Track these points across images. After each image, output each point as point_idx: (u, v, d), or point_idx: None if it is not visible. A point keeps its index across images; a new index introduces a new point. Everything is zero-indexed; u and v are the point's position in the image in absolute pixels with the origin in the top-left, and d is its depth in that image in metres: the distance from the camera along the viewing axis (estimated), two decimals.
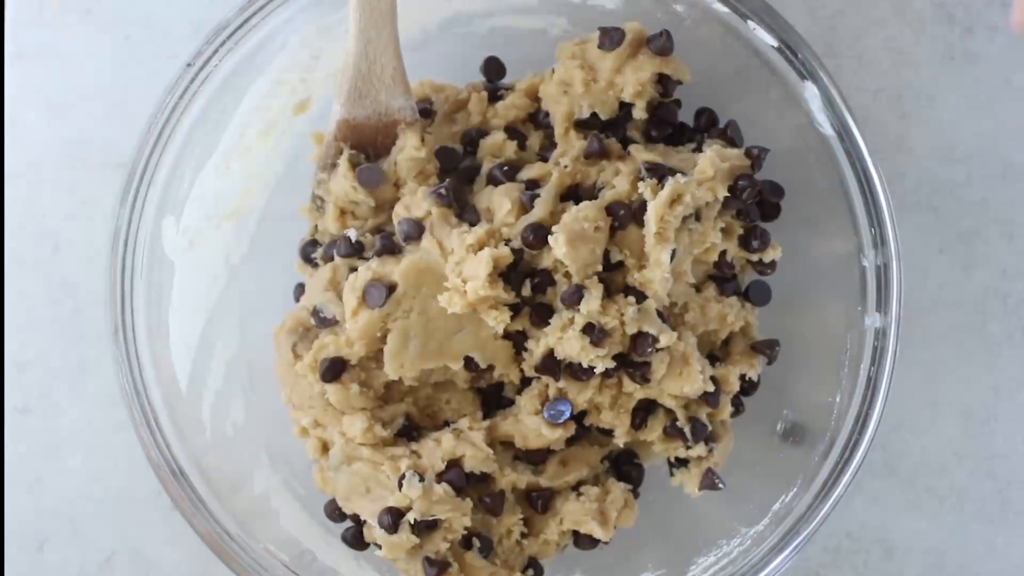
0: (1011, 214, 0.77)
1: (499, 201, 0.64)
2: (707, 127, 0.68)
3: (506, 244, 0.63)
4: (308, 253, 0.69)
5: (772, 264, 0.66)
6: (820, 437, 0.65)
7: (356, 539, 0.67)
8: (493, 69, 0.70)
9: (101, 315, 0.75)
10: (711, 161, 0.62)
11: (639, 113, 0.66)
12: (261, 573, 0.63)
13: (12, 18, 0.78)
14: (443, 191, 0.65)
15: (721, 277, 0.67)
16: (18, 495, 0.78)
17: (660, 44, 0.65)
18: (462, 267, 0.63)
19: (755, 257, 0.66)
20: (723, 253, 0.66)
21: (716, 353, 0.67)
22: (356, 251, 0.66)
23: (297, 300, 0.70)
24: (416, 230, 0.64)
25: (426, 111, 0.69)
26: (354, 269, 0.65)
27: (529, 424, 0.64)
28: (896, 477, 0.77)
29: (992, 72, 0.77)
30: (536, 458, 0.66)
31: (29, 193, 0.78)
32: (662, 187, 0.62)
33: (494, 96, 0.70)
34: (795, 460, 0.66)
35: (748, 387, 0.68)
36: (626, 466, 0.68)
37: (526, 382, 0.66)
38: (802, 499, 0.63)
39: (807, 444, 0.66)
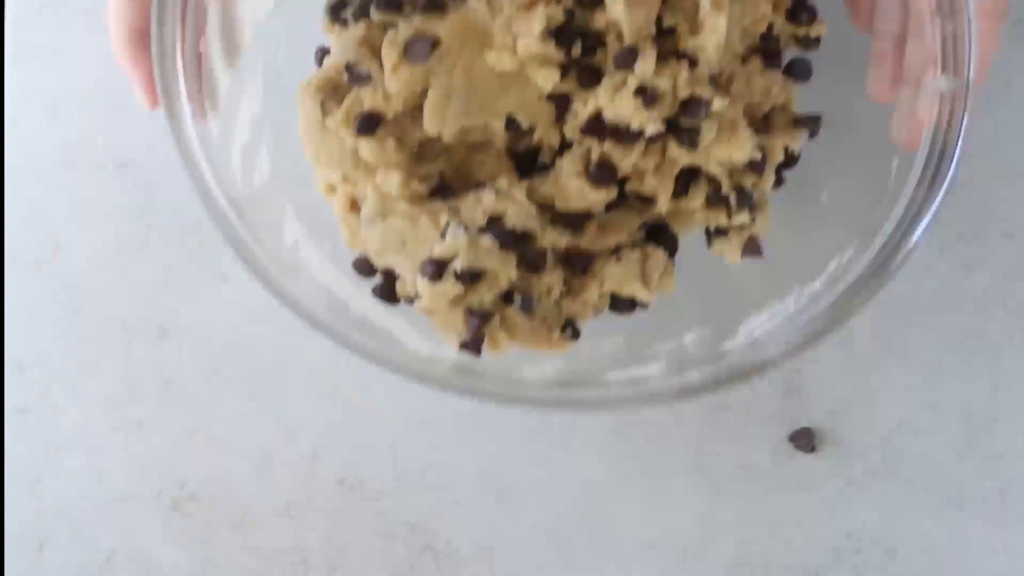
0: (1011, 214, 0.77)
1: None
2: None
3: (558, 2, 0.62)
4: (337, 11, 0.66)
5: (817, 40, 0.65)
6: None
7: (388, 293, 0.65)
8: None
9: (102, 315, 0.75)
10: None
11: None
12: (309, 305, 0.62)
13: (12, 18, 0.79)
14: None
15: (766, 50, 0.65)
16: (18, 495, 0.78)
17: None
18: (512, 24, 0.61)
19: (802, 32, 0.65)
20: (770, 26, 0.65)
21: (757, 127, 0.65)
22: (395, 6, 0.63)
23: (320, 64, 0.67)
24: None
25: None
26: (390, 27, 0.63)
27: (571, 185, 0.63)
28: (897, 478, 0.77)
29: (992, 72, 0.77)
30: (574, 222, 0.64)
31: (29, 193, 0.78)
32: None
33: None
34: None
35: (790, 160, 0.66)
36: (662, 235, 0.66)
37: (564, 147, 0.64)
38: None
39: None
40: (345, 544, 0.73)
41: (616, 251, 0.65)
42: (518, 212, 0.62)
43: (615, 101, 0.61)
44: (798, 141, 0.65)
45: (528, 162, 0.66)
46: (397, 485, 0.72)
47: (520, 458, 0.75)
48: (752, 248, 0.65)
